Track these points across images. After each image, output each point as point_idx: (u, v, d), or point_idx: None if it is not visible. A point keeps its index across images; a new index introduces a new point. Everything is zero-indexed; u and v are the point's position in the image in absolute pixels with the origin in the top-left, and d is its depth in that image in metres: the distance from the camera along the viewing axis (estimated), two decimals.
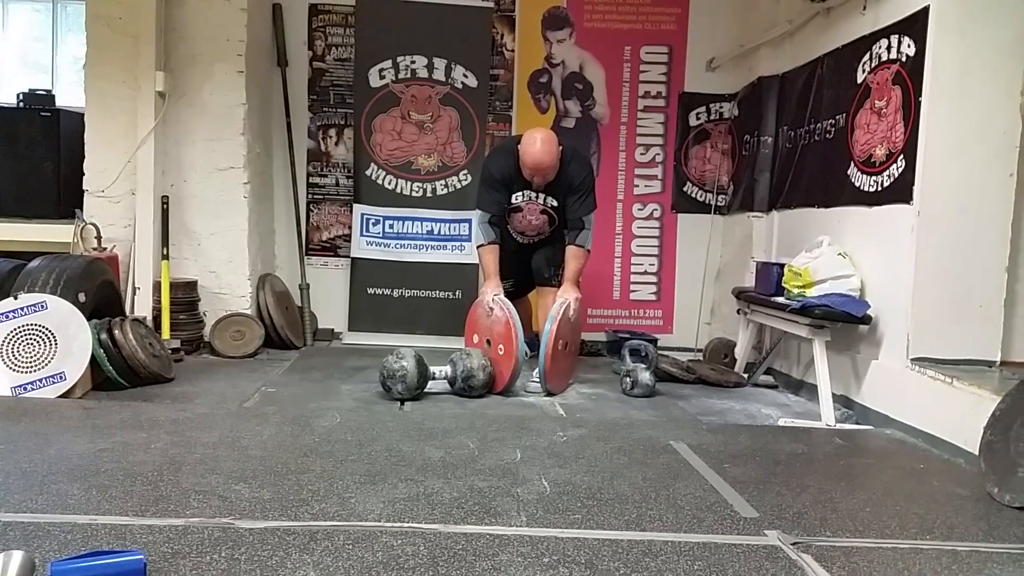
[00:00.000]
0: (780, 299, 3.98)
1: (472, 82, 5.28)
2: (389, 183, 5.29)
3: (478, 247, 4.19)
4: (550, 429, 3.14)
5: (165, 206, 4.63)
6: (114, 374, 3.55)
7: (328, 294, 5.33)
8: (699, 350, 5.27)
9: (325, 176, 5.43)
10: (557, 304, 3.97)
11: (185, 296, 4.59)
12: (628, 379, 4.05)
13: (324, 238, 5.46)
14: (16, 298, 3.41)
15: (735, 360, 4.70)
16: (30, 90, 5.15)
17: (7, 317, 3.36)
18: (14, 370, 3.30)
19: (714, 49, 5.37)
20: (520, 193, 4.11)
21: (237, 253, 4.78)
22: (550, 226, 4.24)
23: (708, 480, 2.56)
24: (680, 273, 5.53)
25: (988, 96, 3.32)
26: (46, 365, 3.32)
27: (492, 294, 3.97)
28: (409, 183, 5.31)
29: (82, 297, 3.60)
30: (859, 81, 3.88)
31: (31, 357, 3.32)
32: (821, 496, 2.46)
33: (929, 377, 3.24)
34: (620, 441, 2.99)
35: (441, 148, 5.31)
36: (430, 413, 3.40)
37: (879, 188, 3.65)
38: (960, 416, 2.99)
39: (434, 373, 3.75)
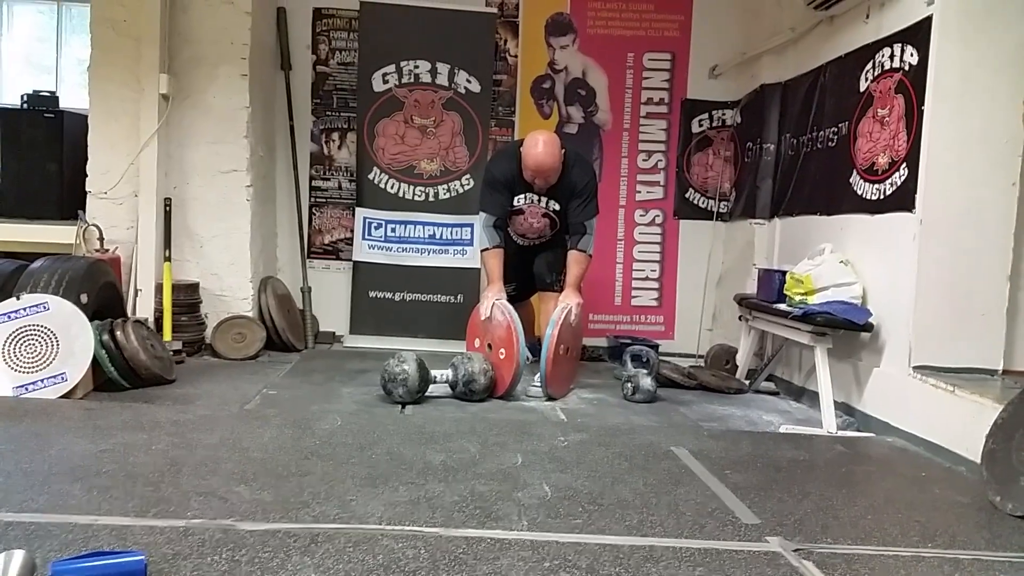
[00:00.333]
0: (782, 306, 3.98)
1: (475, 87, 5.29)
2: (391, 187, 5.30)
3: (482, 251, 4.19)
4: (551, 434, 3.13)
5: (168, 208, 4.63)
6: (116, 375, 3.55)
7: (330, 297, 5.33)
8: (700, 356, 5.27)
9: (328, 179, 5.44)
10: (559, 309, 3.97)
11: (187, 298, 4.59)
12: (629, 384, 4.05)
13: (326, 241, 5.46)
14: (18, 298, 3.41)
15: (737, 366, 4.70)
16: (34, 91, 5.16)
17: (9, 317, 3.36)
18: (16, 370, 3.30)
19: (717, 56, 5.39)
20: (522, 195, 4.12)
21: (239, 256, 4.78)
22: (551, 229, 4.24)
23: (709, 486, 2.56)
24: (682, 279, 5.54)
25: (990, 105, 3.33)
26: (48, 366, 3.32)
27: (494, 299, 3.97)
28: (411, 187, 5.31)
29: (84, 298, 3.60)
30: (862, 89, 3.89)
31: (33, 358, 3.32)
32: (822, 503, 2.46)
33: (931, 385, 3.23)
34: (621, 446, 2.98)
35: (444, 153, 5.32)
36: (431, 417, 3.40)
37: (881, 196, 3.66)
38: (962, 424, 2.99)
39: (435, 377, 3.75)
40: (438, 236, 5.30)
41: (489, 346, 3.95)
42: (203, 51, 4.68)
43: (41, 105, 5.06)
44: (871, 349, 3.67)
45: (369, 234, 5.28)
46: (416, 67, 5.27)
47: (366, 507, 2.19)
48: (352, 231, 5.33)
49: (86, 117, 4.69)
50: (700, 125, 5.49)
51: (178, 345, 4.36)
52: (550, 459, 2.76)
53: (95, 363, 3.46)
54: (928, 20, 3.38)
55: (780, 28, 4.76)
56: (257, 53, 4.84)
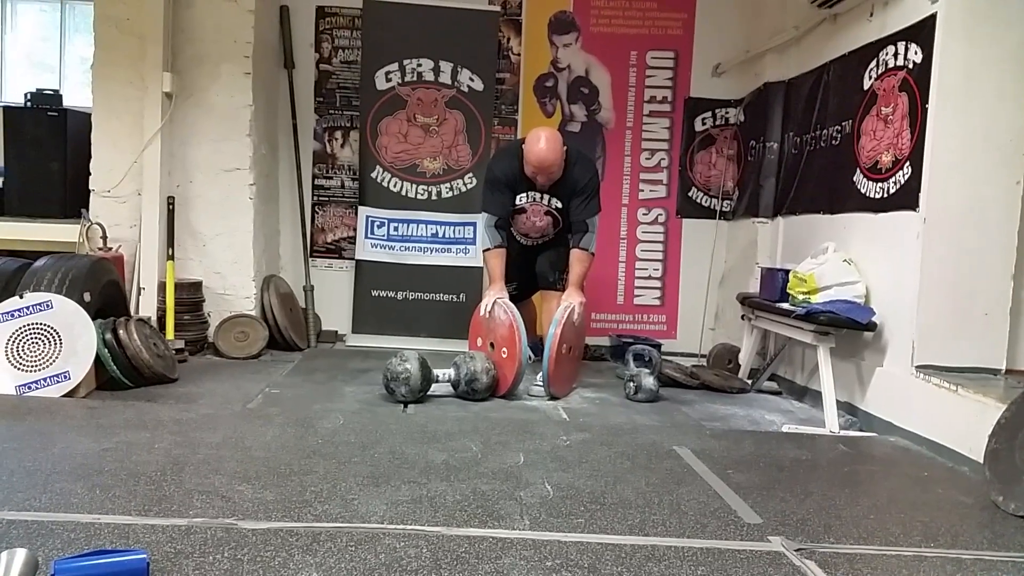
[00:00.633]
0: (785, 305, 3.98)
1: (478, 85, 5.28)
2: (394, 186, 5.30)
3: (484, 251, 4.18)
4: (553, 433, 3.13)
5: (171, 207, 4.64)
6: (118, 374, 3.56)
7: (332, 296, 5.33)
8: (703, 355, 5.26)
9: (330, 178, 5.44)
10: (561, 308, 3.97)
11: (190, 297, 4.59)
12: (632, 384, 4.04)
13: (329, 240, 5.46)
14: (22, 297, 3.42)
15: (739, 366, 4.69)
16: (37, 90, 5.17)
17: (12, 316, 3.37)
18: (19, 369, 3.30)
19: (720, 55, 5.38)
20: (524, 194, 4.11)
21: (242, 254, 4.79)
22: (554, 228, 4.23)
23: (712, 486, 2.55)
24: (684, 278, 5.53)
25: (995, 103, 3.32)
26: (51, 364, 3.33)
27: (496, 298, 3.96)
28: (414, 186, 5.31)
29: (87, 297, 3.60)
30: (865, 87, 3.88)
31: (36, 356, 3.33)
32: (825, 503, 2.46)
33: (934, 385, 3.23)
34: (623, 446, 2.98)
35: (446, 151, 5.32)
36: (433, 416, 3.40)
37: (885, 195, 3.65)
38: (965, 424, 2.98)
39: (437, 376, 3.75)
40: (440, 235, 5.30)
41: (491, 345, 3.95)
42: (206, 49, 4.68)
43: (45, 103, 5.07)
44: (874, 348, 3.66)
45: (372, 233, 5.28)
46: (419, 65, 5.27)
47: (368, 506, 2.19)
48: (355, 230, 5.33)
49: (89, 115, 4.70)
50: (703, 123, 5.48)
51: (181, 344, 4.37)
52: (552, 458, 2.76)
53: (98, 362, 3.47)
54: (932, 18, 3.37)
55: (783, 26, 4.74)
56: (260, 51, 4.84)
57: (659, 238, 5.54)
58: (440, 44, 5.24)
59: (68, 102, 5.22)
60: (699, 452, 2.93)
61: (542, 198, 4.12)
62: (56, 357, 3.34)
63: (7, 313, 3.37)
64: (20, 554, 1.61)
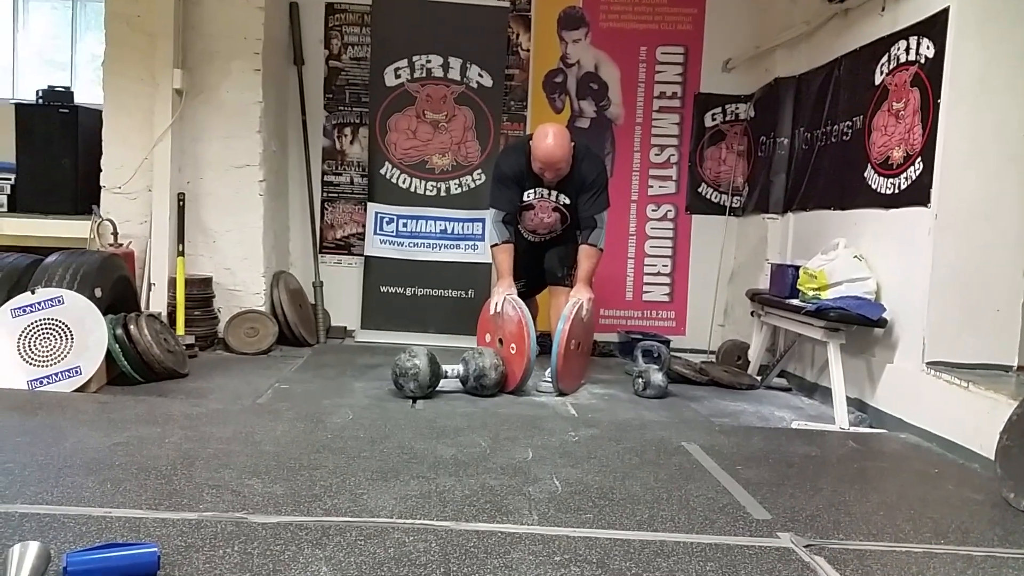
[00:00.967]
0: (795, 301, 3.97)
1: (487, 82, 5.28)
2: (403, 182, 5.31)
3: (492, 246, 4.18)
4: (562, 429, 3.14)
5: (181, 203, 4.65)
6: (129, 369, 3.58)
7: (341, 292, 5.34)
8: (712, 352, 5.26)
9: (340, 174, 5.45)
10: (570, 304, 3.96)
11: (200, 292, 4.62)
12: (640, 380, 4.04)
13: (338, 236, 5.47)
14: (33, 293, 3.44)
15: (748, 362, 4.68)
16: (49, 87, 5.19)
17: (24, 311, 3.39)
18: (31, 364, 3.33)
19: (730, 50, 5.35)
20: (532, 190, 4.11)
21: (252, 250, 4.80)
22: (562, 224, 4.22)
23: (720, 482, 2.55)
24: (694, 275, 5.51)
25: (1007, 98, 3.29)
26: (62, 359, 3.35)
27: (504, 294, 3.96)
28: (423, 182, 5.32)
29: (98, 292, 3.62)
30: (877, 83, 3.86)
31: (47, 351, 3.35)
32: (834, 499, 2.45)
33: (945, 381, 3.21)
34: (632, 442, 2.98)
35: (455, 147, 5.32)
36: (442, 411, 3.41)
37: (896, 190, 3.63)
38: (976, 421, 2.97)
39: (446, 372, 3.75)
40: (449, 231, 5.31)
41: (500, 341, 3.95)
42: (216, 46, 4.70)
43: (56, 100, 5.09)
44: (884, 344, 3.64)
45: (381, 229, 5.29)
46: (428, 62, 5.27)
47: (377, 501, 2.19)
48: (364, 226, 5.34)
49: (100, 112, 4.72)
50: (713, 119, 5.46)
51: (191, 339, 4.39)
52: (561, 454, 2.76)
53: (109, 357, 3.49)
54: (945, 12, 3.34)
55: (794, 21, 4.73)
56: (270, 48, 4.85)
57: (668, 234, 5.52)
58: (449, 40, 5.25)
59: (79, 99, 5.24)
60: (708, 448, 2.92)
61: (550, 194, 4.11)
62: (67, 352, 3.36)
63: (19, 308, 3.39)
64: (33, 547, 1.62)
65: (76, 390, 3.32)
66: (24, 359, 3.33)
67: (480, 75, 5.28)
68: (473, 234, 5.28)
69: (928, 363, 3.33)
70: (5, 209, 4.95)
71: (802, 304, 3.85)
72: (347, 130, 5.42)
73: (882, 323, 3.56)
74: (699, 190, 5.50)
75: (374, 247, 5.29)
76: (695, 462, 2.76)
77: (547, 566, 1.83)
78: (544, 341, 4.11)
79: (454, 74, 5.28)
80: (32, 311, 3.39)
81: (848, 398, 3.62)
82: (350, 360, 4.58)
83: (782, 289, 4.16)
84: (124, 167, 4.65)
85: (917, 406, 3.36)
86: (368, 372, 4.23)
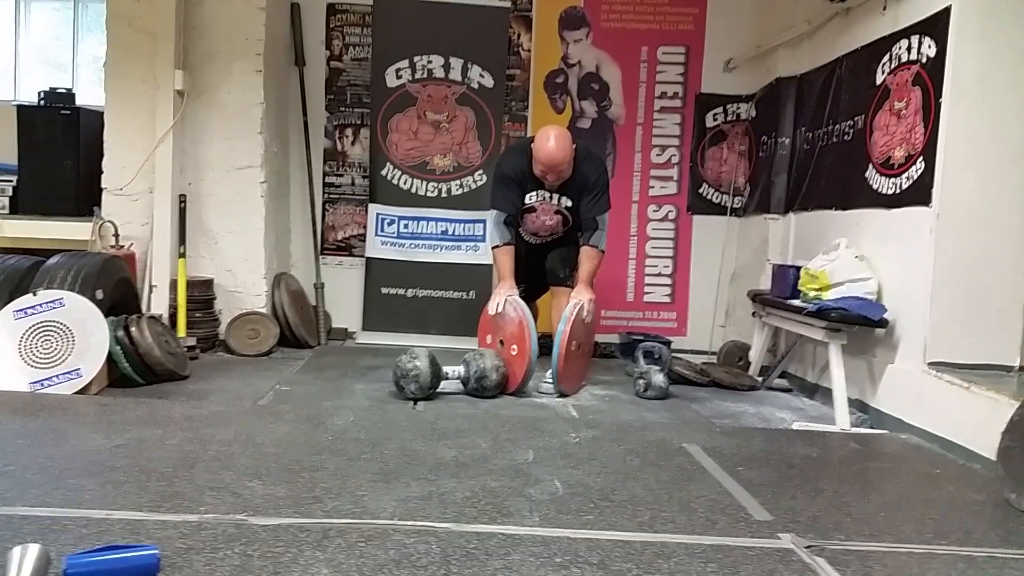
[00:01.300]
0: (796, 302, 3.96)
1: (488, 82, 5.28)
2: (404, 183, 5.31)
3: (493, 248, 4.18)
4: (563, 430, 3.13)
5: (182, 204, 4.66)
6: (130, 371, 3.58)
7: (342, 293, 5.35)
8: (713, 353, 5.25)
9: (341, 175, 5.45)
10: (571, 305, 3.96)
11: (201, 294, 4.62)
12: (641, 381, 4.04)
13: (339, 237, 5.48)
14: (35, 295, 3.44)
15: (749, 363, 4.68)
16: (50, 88, 5.19)
17: (25, 313, 3.39)
18: (32, 366, 3.33)
19: (732, 50, 5.35)
20: (534, 193, 4.10)
21: (253, 252, 4.81)
22: (563, 227, 4.22)
23: (721, 483, 2.55)
24: (695, 275, 5.51)
25: (1009, 98, 3.29)
26: (63, 361, 3.35)
27: (505, 295, 3.96)
28: (424, 183, 5.32)
29: (99, 294, 3.62)
30: (878, 82, 3.85)
31: (49, 353, 3.35)
32: (836, 500, 2.45)
33: (946, 382, 3.20)
34: (633, 443, 2.98)
35: (457, 148, 5.32)
36: (443, 413, 3.40)
37: (897, 190, 3.62)
38: (977, 421, 2.96)
39: (447, 373, 3.75)
40: (451, 232, 5.31)
41: (501, 342, 3.95)
42: (218, 47, 4.70)
43: (57, 102, 5.09)
44: (886, 345, 3.64)
45: (382, 230, 5.30)
46: (429, 62, 5.27)
47: (378, 502, 2.19)
48: (365, 227, 5.35)
49: (102, 114, 4.73)
50: (714, 119, 5.46)
51: (192, 341, 4.39)
52: (562, 455, 2.76)
53: (110, 359, 3.49)
54: (946, 11, 3.34)
55: (795, 21, 4.72)
56: (271, 49, 4.85)
57: (669, 235, 5.52)
58: (450, 41, 5.25)
59: (81, 101, 5.25)
60: (709, 449, 2.92)
61: (551, 197, 4.11)
62: (68, 354, 3.36)
63: (20, 310, 3.39)
64: (33, 549, 1.61)
65: (77, 392, 3.32)
66: (25, 361, 3.33)
67: (481, 75, 5.28)
68: (474, 235, 5.28)
69: (929, 363, 3.33)
70: (7, 211, 4.96)
71: (803, 305, 3.84)
72: (348, 131, 5.43)
73: (883, 324, 3.56)
74: (700, 190, 5.49)
75: (375, 248, 5.29)
76: (696, 463, 2.76)
77: (548, 567, 1.83)
78: (545, 342, 4.10)
79: (455, 74, 5.28)
80: (33, 313, 3.39)
81: (849, 399, 3.62)
82: (351, 362, 4.58)
83: (783, 290, 4.15)
84: (126, 168, 4.65)
85: (918, 407, 3.35)
86: (369, 374, 4.23)
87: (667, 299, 5.54)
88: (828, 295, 3.74)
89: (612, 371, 4.72)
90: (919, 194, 3.45)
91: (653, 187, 5.49)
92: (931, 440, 3.21)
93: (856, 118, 4.04)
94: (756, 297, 4.51)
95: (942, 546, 2.12)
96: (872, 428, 3.55)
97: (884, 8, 3.85)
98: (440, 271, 5.27)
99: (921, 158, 3.45)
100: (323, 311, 5.24)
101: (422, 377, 3.59)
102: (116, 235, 4.53)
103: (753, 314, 4.60)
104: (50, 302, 3.42)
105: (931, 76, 3.42)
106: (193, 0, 4.65)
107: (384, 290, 5.29)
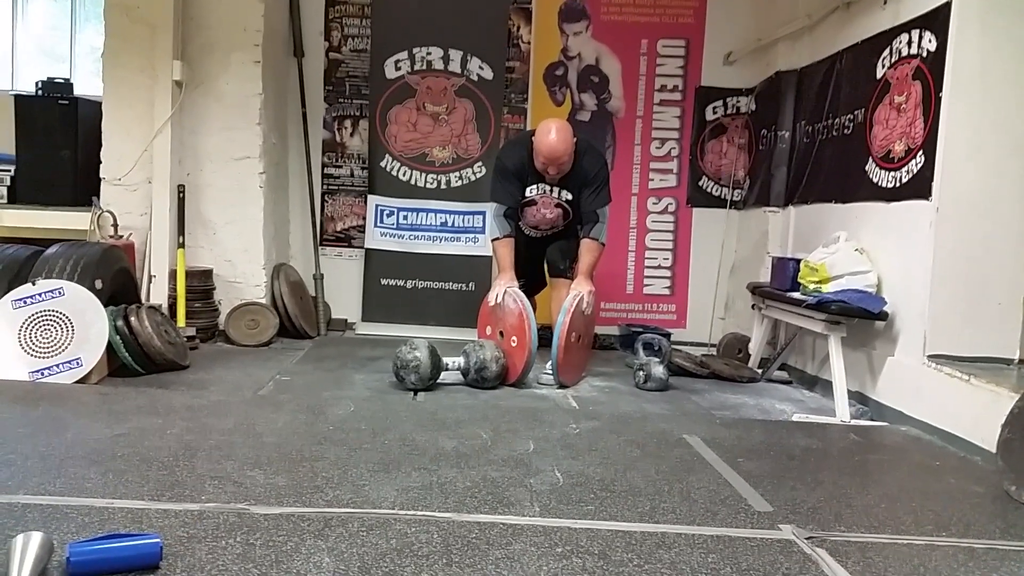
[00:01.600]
0: (796, 294, 3.96)
1: (488, 74, 5.27)
2: (403, 174, 5.30)
3: (493, 240, 4.17)
4: (563, 421, 3.14)
5: (181, 195, 4.65)
6: (130, 361, 3.58)
7: (342, 284, 5.35)
8: (713, 345, 5.26)
9: (340, 167, 5.44)
10: (570, 296, 3.96)
11: (200, 285, 4.61)
12: (641, 373, 4.04)
13: (338, 228, 5.47)
14: (34, 284, 3.43)
15: (749, 355, 4.68)
16: (48, 79, 5.18)
17: (25, 303, 3.38)
18: (32, 355, 3.32)
19: (732, 43, 5.34)
20: (534, 186, 4.10)
21: (252, 243, 4.80)
22: (564, 220, 4.21)
23: (722, 474, 2.55)
24: (694, 268, 5.51)
25: (1009, 91, 3.29)
26: (63, 351, 3.35)
27: (505, 286, 3.96)
28: (423, 175, 5.31)
29: (99, 284, 3.62)
30: (879, 76, 3.85)
31: (48, 343, 3.35)
32: (836, 492, 2.45)
33: (946, 374, 3.21)
34: (633, 434, 2.98)
35: (456, 140, 5.31)
36: (443, 404, 3.41)
37: (897, 184, 3.63)
38: (977, 413, 2.97)
39: (447, 364, 3.75)
40: (450, 224, 5.30)
41: (501, 334, 3.95)
42: (216, 37, 4.68)
43: (55, 92, 5.08)
44: (885, 338, 3.64)
45: (381, 221, 5.29)
46: (428, 54, 5.26)
47: (379, 492, 2.19)
48: (364, 218, 5.34)
49: (100, 104, 4.71)
50: (714, 112, 5.45)
51: (192, 331, 4.39)
52: (562, 446, 2.76)
53: (110, 348, 3.49)
54: (947, 5, 3.33)
55: (796, 14, 4.71)
56: (270, 40, 4.83)
57: (669, 227, 5.52)
58: (450, 32, 5.23)
59: (79, 91, 5.23)
60: (709, 441, 2.93)
61: (552, 190, 4.10)
62: (68, 344, 3.36)
63: (20, 300, 3.39)
64: (36, 537, 1.62)
65: (77, 381, 3.32)
66: (25, 350, 3.32)
67: (481, 67, 5.26)
68: (473, 227, 5.27)
69: (929, 356, 3.33)
70: (5, 201, 4.95)
71: (803, 297, 3.84)
72: (347, 122, 5.41)
73: (883, 316, 3.56)
74: (700, 183, 5.49)
75: (374, 240, 5.29)
76: (696, 454, 2.76)
77: (549, 557, 1.83)
78: (544, 334, 4.10)
79: (454, 66, 5.26)
80: (33, 303, 3.39)
81: (849, 391, 3.62)
82: (351, 352, 4.58)
83: (783, 282, 4.16)
84: (124, 159, 4.64)
85: (918, 399, 3.36)
86: (369, 364, 4.23)
87: (667, 291, 5.54)
88: (828, 288, 3.75)
89: (612, 363, 4.72)
90: (919, 188, 3.45)
91: (653, 180, 5.49)
92: (931, 432, 3.22)
93: (856, 112, 4.04)
94: (756, 290, 4.51)
95: (942, 538, 2.13)
96: (872, 420, 3.56)
97: (884, 2, 3.84)
98: (439, 262, 5.27)
99: (921, 152, 3.45)
100: (322, 302, 5.23)
101: (422, 368, 3.59)
102: (115, 225, 4.52)
103: (753, 306, 4.60)
104: (49, 291, 3.41)
105: (931, 70, 3.42)
106: None
107: (384, 281, 5.29)
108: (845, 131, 4.16)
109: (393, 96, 5.26)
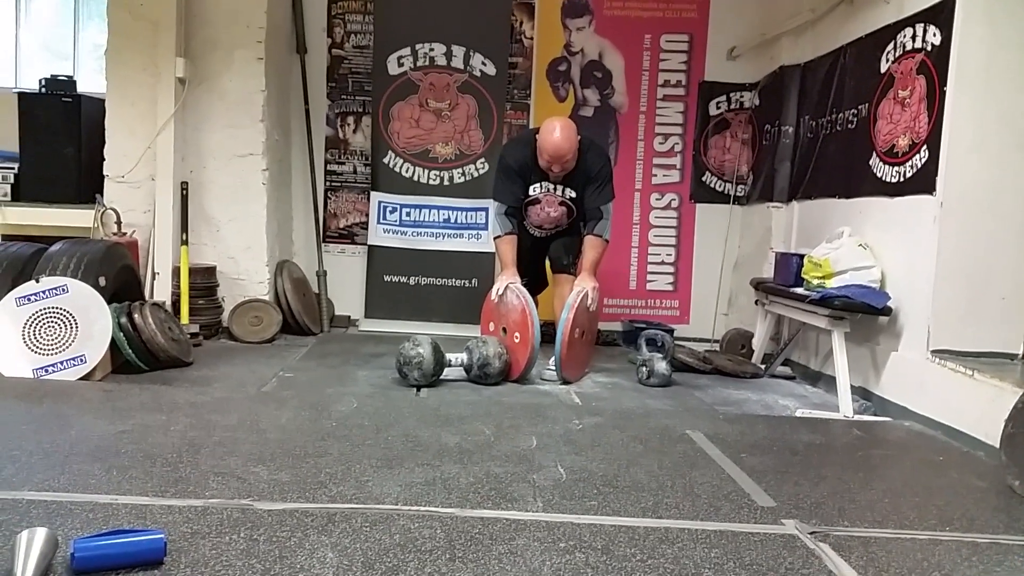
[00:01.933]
0: (799, 290, 3.96)
1: (491, 70, 5.26)
2: (406, 171, 5.30)
3: (495, 238, 4.17)
4: (566, 417, 3.14)
5: (184, 192, 4.65)
6: (134, 357, 3.59)
7: (345, 281, 5.35)
8: (716, 341, 5.25)
9: (343, 163, 5.44)
10: (574, 292, 3.96)
11: (204, 281, 4.62)
12: (644, 369, 4.04)
13: (341, 225, 5.47)
14: (38, 281, 3.44)
15: (752, 351, 4.67)
16: (52, 76, 5.18)
17: (29, 300, 3.39)
18: (36, 352, 3.33)
19: (735, 38, 5.33)
20: (538, 184, 4.09)
21: (255, 239, 4.81)
22: (568, 218, 4.21)
23: (725, 469, 2.55)
24: (698, 263, 5.51)
25: (1014, 86, 3.27)
26: (67, 348, 3.36)
27: (508, 283, 3.96)
28: (426, 171, 5.31)
29: (102, 281, 3.63)
30: (882, 71, 3.84)
31: (52, 340, 3.36)
32: (839, 487, 2.45)
33: (949, 369, 3.21)
34: (636, 430, 2.98)
35: (458, 136, 5.31)
36: (446, 400, 3.41)
37: (901, 179, 3.62)
38: (981, 408, 2.96)
39: (450, 360, 3.76)
40: (453, 220, 5.30)
41: (504, 330, 3.95)
42: (219, 34, 4.68)
43: (59, 89, 5.07)
44: (889, 333, 3.64)
45: (384, 218, 5.29)
46: (431, 50, 5.25)
47: (382, 488, 2.20)
48: (367, 215, 5.34)
49: (103, 101, 4.72)
50: (718, 107, 5.44)
51: (195, 328, 4.40)
52: (565, 442, 2.76)
53: (113, 345, 3.50)
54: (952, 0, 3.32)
55: (799, 9, 4.70)
56: (273, 36, 4.83)
57: (672, 223, 5.52)
58: (452, 28, 5.23)
59: (82, 88, 5.23)
60: (712, 436, 2.92)
61: (555, 188, 4.10)
62: (72, 341, 3.37)
63: (24, 297, 3.40)
64: (40, 533, 1.62)
65: (81, 378, 3.33)
66: (29, 347, 3.33)
67: (483, 63, 5.26)
68: (476, 223, 5.27)
69: (933, 351, 3.33)
70: (9, 198, 4.95)
71: (806, 292, 3.84)
72: (350, 119, 5.41)
73: (887, 311, 3.56)
74: (703, 179, 5.48)
75: (377, 236, 5.29)
76: (699, 450, 2.76)
77: (552, 552, 1.83)
78: (547, 330, 4.11)
79: (457, 62, 5.26)
80: (37, 300, 3.40)
81: (852, 386, 3.62)
82: (354, 349, 4.59)
83: (786, 278, 4.15)
84: (127, 156, 4.65)
85: (922, 394, 3.35)
86: (372, 361, 4.23)
87: (670, 287, 5.54)
88: (831, 283, 3.74)
89: (615, 359, 4.72)
90: (923, 182, 3.44)
91: (656, 175, 5.48)
92: (934, 427, 3.21)
93: (860, 106, 4.03)
94: (759, 285, 4.50)
95: (945, 532, 2.13)
96: (875, 415, 3.56)
97: None
98: (442, 259, 5.27)
99: (925, 146, 3.44)
100: (326, 298, 5.24)
101: (425, 364, 3.60)
102: (118, 222, 4.53)
103: (756, 302, 4.59)
104: (53, 289, 3.42)
105: (936, 64, 3.41)
106: None
107: (387, 278, 5.29)
108: (849, 126, 4.15)
109: (396, 92, 5.26)
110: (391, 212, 5.30)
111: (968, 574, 1.88)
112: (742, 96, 5.40)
